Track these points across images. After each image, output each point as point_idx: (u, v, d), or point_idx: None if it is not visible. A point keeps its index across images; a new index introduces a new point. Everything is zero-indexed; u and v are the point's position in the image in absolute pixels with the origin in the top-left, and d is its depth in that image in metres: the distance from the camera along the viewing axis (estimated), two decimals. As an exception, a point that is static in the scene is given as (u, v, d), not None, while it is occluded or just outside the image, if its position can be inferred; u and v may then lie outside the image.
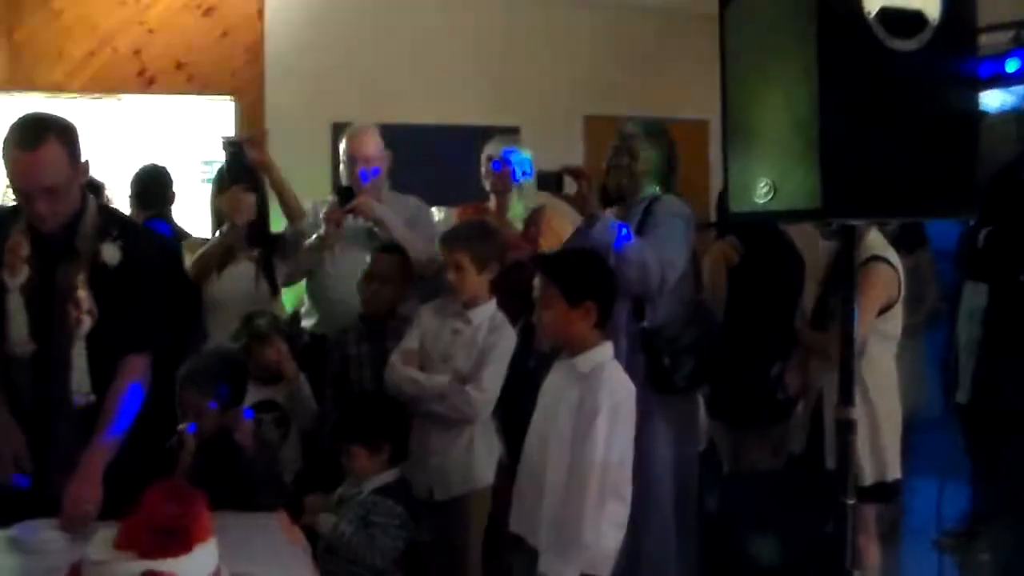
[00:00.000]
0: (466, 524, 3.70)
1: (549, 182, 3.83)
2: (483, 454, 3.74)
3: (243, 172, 4.26)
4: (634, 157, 3.98)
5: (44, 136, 2.89)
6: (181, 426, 3.36)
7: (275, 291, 4.29)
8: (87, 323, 3.04)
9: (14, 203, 3.11)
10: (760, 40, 2.46)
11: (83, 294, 3.03)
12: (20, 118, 2.96)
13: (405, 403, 3.70)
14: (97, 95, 6.59)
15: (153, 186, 5.20)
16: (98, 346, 3.07)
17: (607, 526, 3.04)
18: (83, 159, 3.04)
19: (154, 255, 3.32)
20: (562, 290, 3.17)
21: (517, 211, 4.69)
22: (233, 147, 4.32)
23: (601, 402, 3.05)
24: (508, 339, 3.71)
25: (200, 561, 2.13)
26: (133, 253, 3.12)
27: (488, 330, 3.72)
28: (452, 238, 3.83)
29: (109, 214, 3.25)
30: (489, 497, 3.75)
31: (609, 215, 3.82)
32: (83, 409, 3.06)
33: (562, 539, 3.01)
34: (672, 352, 3.78)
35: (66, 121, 3.01)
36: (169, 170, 5.33)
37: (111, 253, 3.09)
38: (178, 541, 2.10)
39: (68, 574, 2.27)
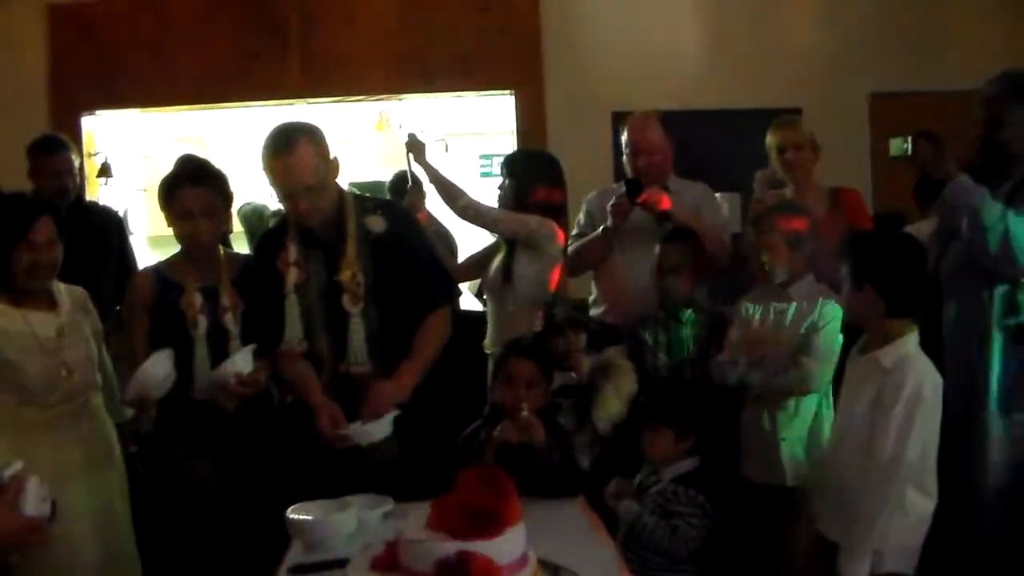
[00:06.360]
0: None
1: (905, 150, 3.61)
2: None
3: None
4: (998, 124, 3.40)
5: (296, 140, 3.21)
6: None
7: (506, 280, 4.26)
8: (361, 302, 3.30)
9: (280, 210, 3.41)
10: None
11: (358, 273, 3.30)
12: (272, 130, 3.27)
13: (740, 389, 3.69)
14: (382, 97, 6.86)
15: None
16: (384, 315, 3.35)
17: (908, 522, 2.93)
18: (332, 156, 3.32)
19: (412, 219, 3.60)
20: (850, 271, 3.10)
21: None
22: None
23: (900, 396, 2.92)
24: (834, 307, 3.54)
25: (510, 544, 2.15)
26: (395, 218, 3.44)
27: (813, 303, 3.61)
28: (761, 219, 3.78)
29: (361, 196, 3.54)
30: None
31: (966, 176, 3.31)
32: (364, 378, 3.32)
33: (857, 536, 2.93)
34: None
35: (312, 125, 3.32)
36: None
37: (376, 222, 3.37)
38: (490, 524, 2.14)
39: (384, 551, 2.36)
